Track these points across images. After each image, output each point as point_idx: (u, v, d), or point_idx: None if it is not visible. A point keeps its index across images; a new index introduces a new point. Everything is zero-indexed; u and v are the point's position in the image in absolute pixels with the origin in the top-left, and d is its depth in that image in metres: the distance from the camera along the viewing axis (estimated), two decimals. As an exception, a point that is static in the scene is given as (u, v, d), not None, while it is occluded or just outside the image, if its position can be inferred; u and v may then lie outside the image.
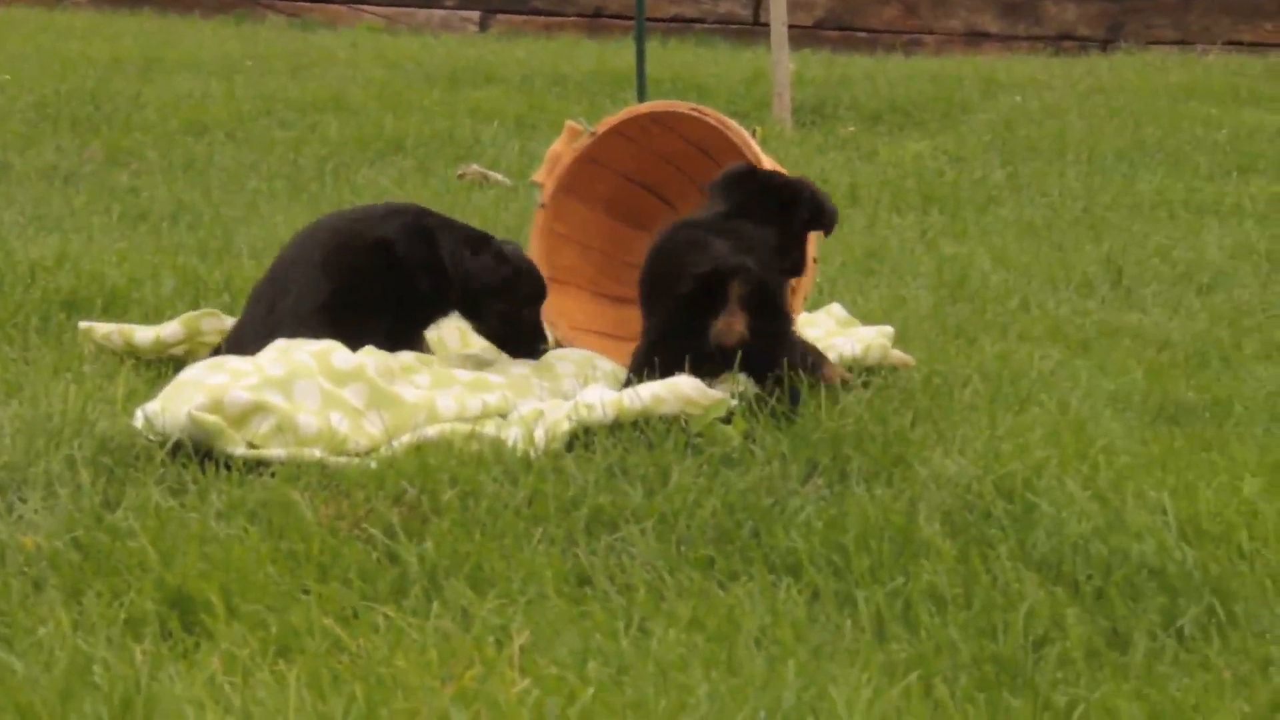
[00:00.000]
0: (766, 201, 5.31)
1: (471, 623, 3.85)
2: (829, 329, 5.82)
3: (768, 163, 5.65)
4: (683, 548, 4.23)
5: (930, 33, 13.62)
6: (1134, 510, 4.26)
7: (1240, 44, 12.95)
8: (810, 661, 3.70)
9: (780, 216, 5.30)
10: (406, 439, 4.77)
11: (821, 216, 5.35)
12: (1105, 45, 13.24)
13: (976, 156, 9.39)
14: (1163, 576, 4.00)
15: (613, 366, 5.45)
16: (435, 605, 3.94)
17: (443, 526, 4.28)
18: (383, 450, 4.72)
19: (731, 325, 5.08)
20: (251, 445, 4.69)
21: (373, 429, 4.85)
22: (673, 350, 5.07)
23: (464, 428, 4.82)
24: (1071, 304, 6.52)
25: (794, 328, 5.20)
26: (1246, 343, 5.99)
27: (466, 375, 5.24)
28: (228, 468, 4.56)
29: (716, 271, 5.04)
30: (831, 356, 5.44)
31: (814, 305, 6.03)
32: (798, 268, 5.36)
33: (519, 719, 3.42)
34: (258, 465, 4.63)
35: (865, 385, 5.31)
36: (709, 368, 5.08)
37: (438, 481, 4.49)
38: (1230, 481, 4.45)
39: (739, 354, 5.05)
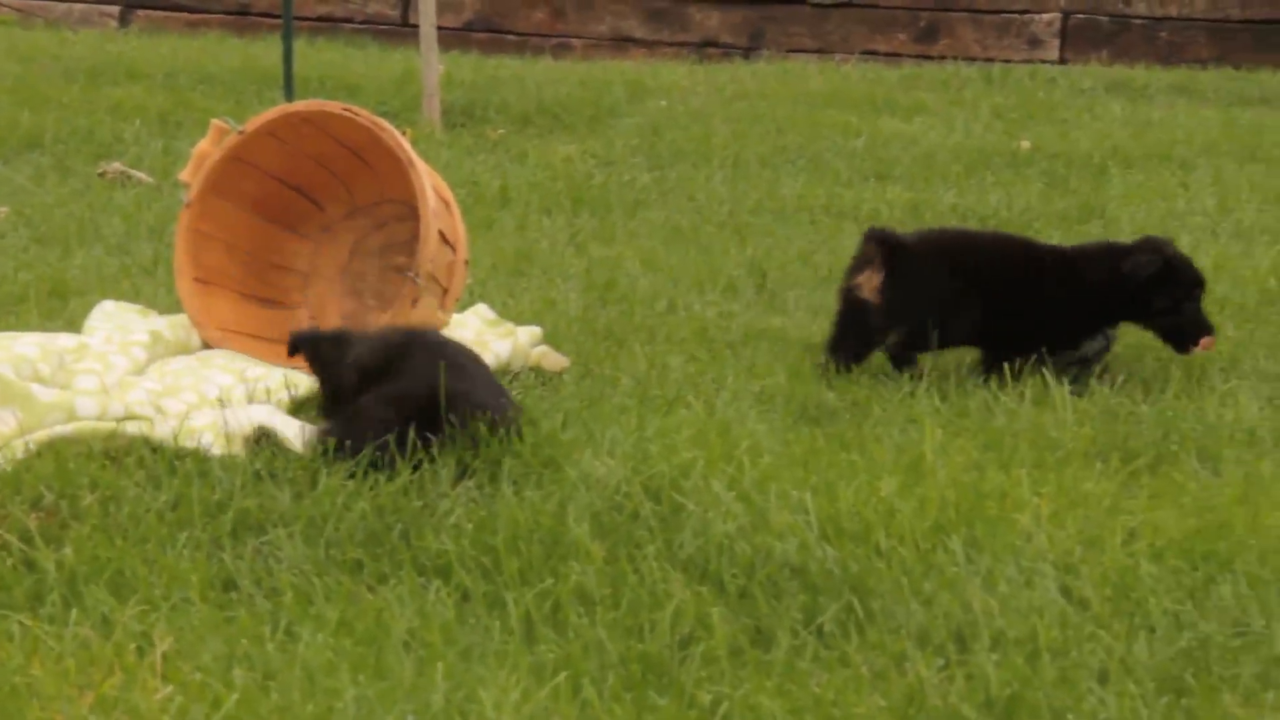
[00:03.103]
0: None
1: (112, 630, 3.77)
2: (478, 329, 5.82)
3: (420, 165, 5.63)
4: (331, 551, 4.19)
5: (578, 37, 13.72)
6: (777, 510, 4.34)
7: (876, 54, 13.29)
8: (459, 664, 3.69)
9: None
10: (41, 436, 4.65)
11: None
12: (748, 53, 13.48)
13: (624, 160, 9.47)
14: (804, 575, 4.08)
15: (263, 370, 5.38)
16: (74, 612, 3.84)
17: (82, 531, 4.17)
18: (17, 451, 4.59)
19: (869, 280, 5.77)
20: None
21: (4, 428, 4.72)
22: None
23: (105, 427, 4.71)
24: (718, 307, 6.62)
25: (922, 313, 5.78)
26: (885, 345, 6.14)
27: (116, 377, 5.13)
28: None
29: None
30: (487, 357, 5.45)
31: (463, 306, 6.03)
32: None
33: (162, 728, 3.36)
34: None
35: (527, 387, 5.33)
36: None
37: (77, 485, 4.38)
38: (869, 481, 4.55)
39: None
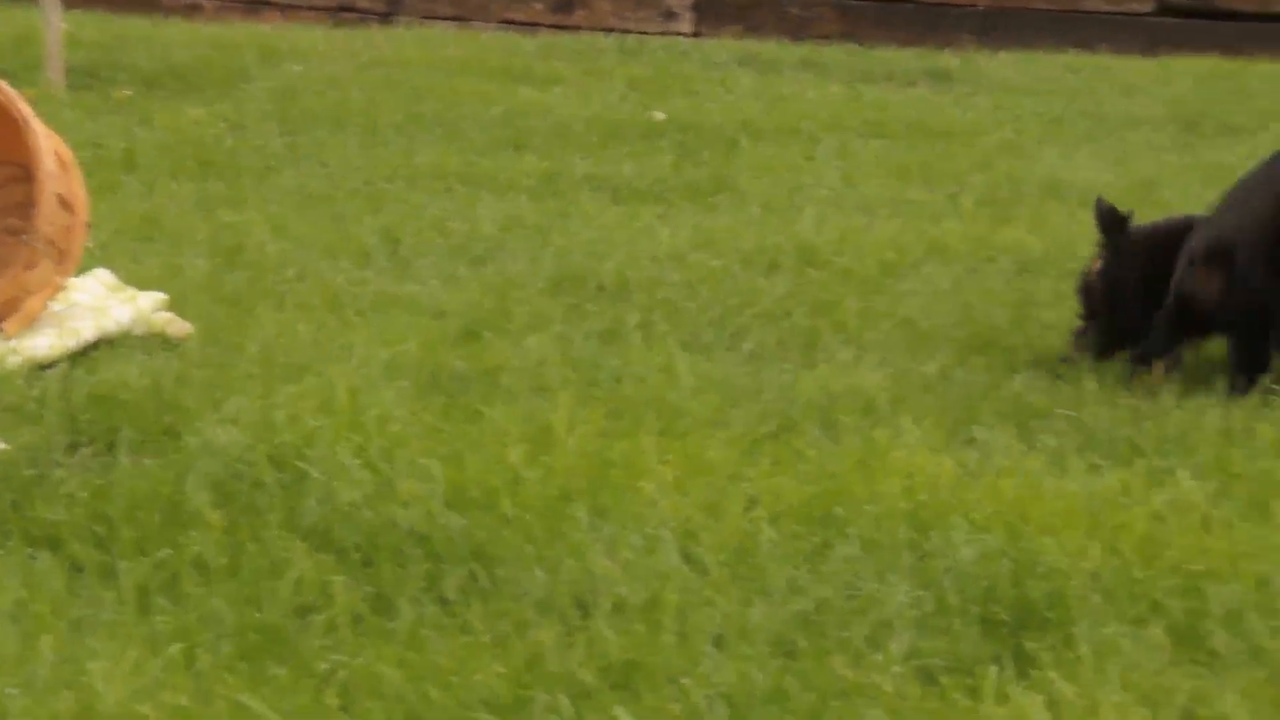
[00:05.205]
0: None
1: None
2: (98, 294, 5.69)
3: (37, 125, 5.48)
4: (-65, 521, 4.06)
5: (212, -2, 13.48)
6: (404, 478, 4.32)
7: (513, 23, 13.30)
8: (69, 635, 3.61)
9: None
10: None
11: None
12: (385, 18, 13.38)
13: (256, 124, 9.32)
14: (429, 543, 4.07)
15: None
16: None
17: None
18: None
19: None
20: None
21: None
22: None
23: None
24: (349, 274, 6.56)
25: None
26: (516, 314, 6.14)
27: None
28: None
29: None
30: (107, 323, 5.33)
31: (84, 270, 5.88)
32: None
33: None
34: None
35: (149, 353, 5.22)
36: None
37: None
38: (497, 450, 4.56)
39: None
